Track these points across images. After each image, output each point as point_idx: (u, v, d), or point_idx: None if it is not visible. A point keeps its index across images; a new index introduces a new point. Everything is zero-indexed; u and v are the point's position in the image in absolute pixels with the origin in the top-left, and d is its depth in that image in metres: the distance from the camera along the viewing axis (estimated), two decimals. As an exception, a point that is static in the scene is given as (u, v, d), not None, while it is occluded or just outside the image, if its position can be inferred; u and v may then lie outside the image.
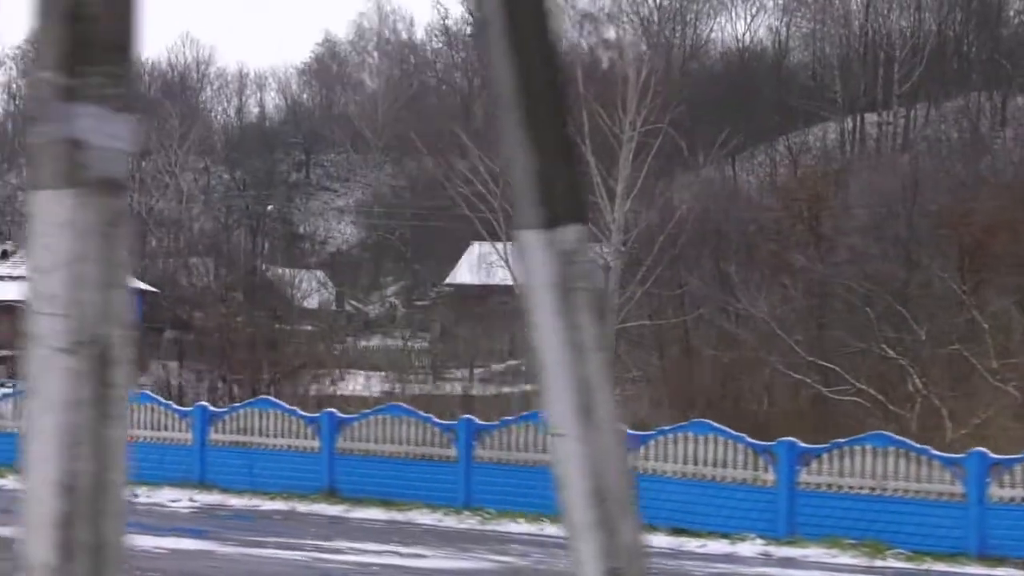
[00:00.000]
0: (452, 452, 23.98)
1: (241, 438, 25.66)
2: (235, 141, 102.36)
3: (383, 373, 62.30)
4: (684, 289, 39.59)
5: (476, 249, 75.05)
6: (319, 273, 79.96)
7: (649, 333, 32.17)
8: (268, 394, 42.79)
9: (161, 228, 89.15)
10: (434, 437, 24.37)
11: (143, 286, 68.96)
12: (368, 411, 26.60)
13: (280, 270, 78.85)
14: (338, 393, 54.18)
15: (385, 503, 23.90)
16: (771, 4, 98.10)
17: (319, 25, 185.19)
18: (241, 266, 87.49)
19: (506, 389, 57.95)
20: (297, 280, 73.01)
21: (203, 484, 25.61)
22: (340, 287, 79.52)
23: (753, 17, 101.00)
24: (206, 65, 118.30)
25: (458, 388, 61.97)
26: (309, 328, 69.45)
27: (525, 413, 24.65)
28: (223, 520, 22.86)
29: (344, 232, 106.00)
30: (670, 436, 22.67)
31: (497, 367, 65.01)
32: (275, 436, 25.32)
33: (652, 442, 22.44)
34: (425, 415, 25.50)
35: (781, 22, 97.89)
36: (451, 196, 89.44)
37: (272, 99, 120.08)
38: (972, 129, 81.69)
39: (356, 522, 22.97)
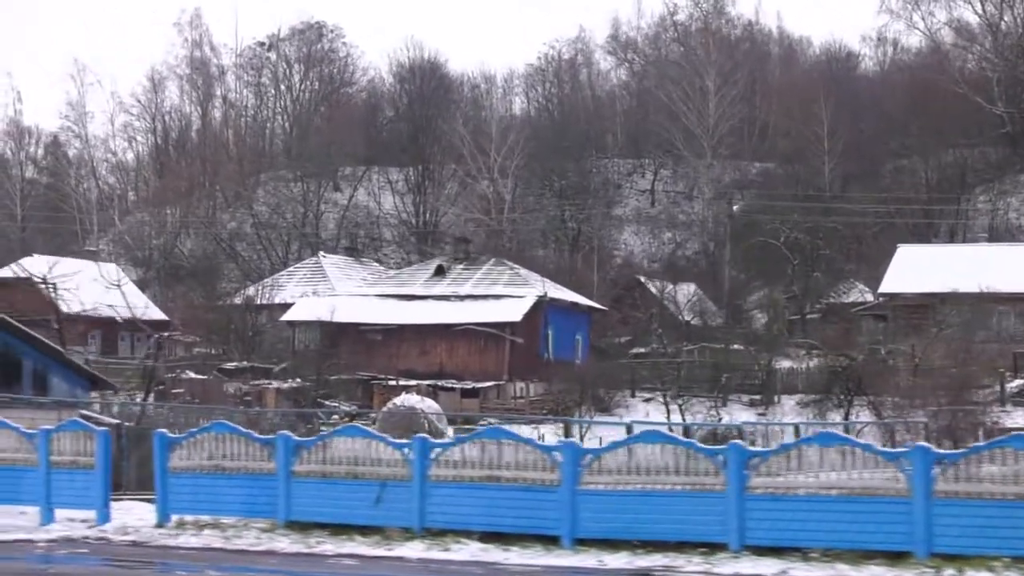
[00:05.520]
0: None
1: None
2: (511, 147, 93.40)
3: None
4: None
5: (907, 253, 66.26)
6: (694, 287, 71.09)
7: None
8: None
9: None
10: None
11: (590, 303, 59.39)
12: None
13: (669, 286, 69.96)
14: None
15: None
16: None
17: (552, 23, 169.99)
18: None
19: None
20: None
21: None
22: (735, 303, 70.39)
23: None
24: (433, 69, 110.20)
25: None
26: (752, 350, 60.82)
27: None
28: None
29: (629, 243, 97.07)
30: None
31: (1010, 386, 56.16)
32: None
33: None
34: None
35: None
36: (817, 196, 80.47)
37: (519, 103, 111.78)
38: None
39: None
